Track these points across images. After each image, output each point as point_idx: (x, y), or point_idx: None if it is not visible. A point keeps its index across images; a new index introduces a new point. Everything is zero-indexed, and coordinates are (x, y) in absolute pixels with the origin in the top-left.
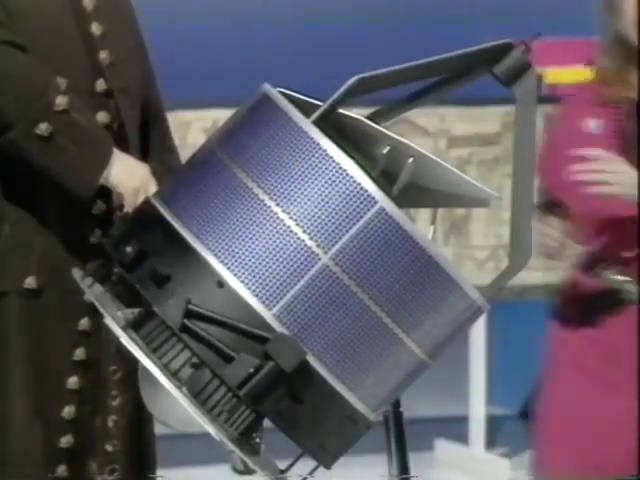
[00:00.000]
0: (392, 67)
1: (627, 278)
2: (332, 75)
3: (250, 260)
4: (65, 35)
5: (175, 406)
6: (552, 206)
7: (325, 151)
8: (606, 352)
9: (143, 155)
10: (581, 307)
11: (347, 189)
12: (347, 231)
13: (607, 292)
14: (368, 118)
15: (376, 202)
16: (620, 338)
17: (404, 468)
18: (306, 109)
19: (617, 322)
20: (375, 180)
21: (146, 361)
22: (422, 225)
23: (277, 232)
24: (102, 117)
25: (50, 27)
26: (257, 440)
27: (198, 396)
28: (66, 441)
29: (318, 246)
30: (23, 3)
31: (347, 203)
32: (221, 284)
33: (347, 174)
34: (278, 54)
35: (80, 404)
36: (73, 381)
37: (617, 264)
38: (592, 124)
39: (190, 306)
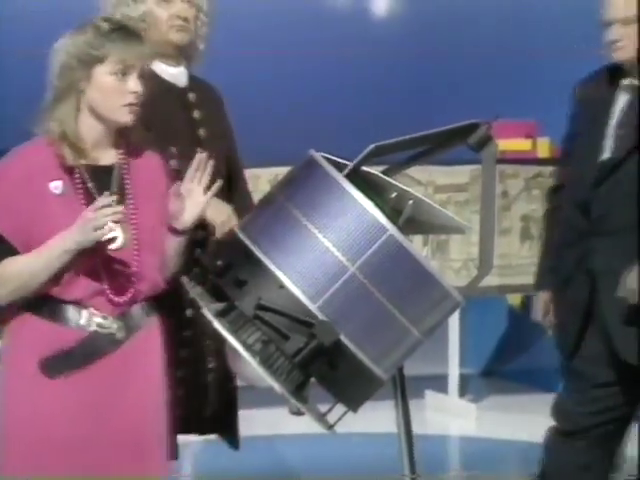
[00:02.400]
0: (398, 138)
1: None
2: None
3: (301, 270)
4: (176, 119)
5: (250, 369)
6: None
7: (352, 196)
8: None
9: (228, 199)
10: None
11: (367, 221)
12: (368, 250)
13: None
14: (382, 173)
15: (387, 230)
16: None
17: (406, 410)
18: (340, 167)
19: None
20: (387, 215)
21: (231, 339)
22: (417, 245)
23: (319, 251)
24: None
25: (166, 113)
26: (306, 393)
27: (266, 362)
28: (179, 392)
29: (348, 260)
30: (148, 99)
31: (367, 231)
32: (282, 286)
33: (367, 211)
34: (323, 123)
35: (187, 367)
36: (183, 352)
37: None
38: (55, 185)
39: (260, 301)
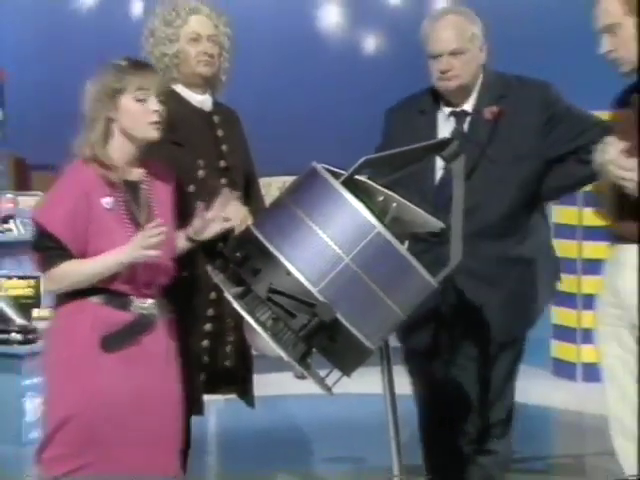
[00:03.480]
0: (385, 152)
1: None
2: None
3: (305, 260)
4: (203, 137)
5: (263, 341)
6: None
7: (347, 199)
8: None
9: (245, 202)
10: None
11: (359, 221)
12: (359, 244)
13: None
14: (371, 181)
15: (375, 228)
16: None
17: (390, 375)
18: (336, 175)
19: None
20: (376, 215)
21: (247, 316)
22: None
23: (320, 244)
24: (223, 181)
25: (195, 133)
26: (309, 360)
27: (276, 335)
28: (205, 359)
29: (343, 253)
30: (181, 121)
31: (359, 228)
32: (289, 274)
33: (359, 212)
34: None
35: (212, 339)
36: (208, 326)
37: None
38: (106, 201)
39: (271, 286)
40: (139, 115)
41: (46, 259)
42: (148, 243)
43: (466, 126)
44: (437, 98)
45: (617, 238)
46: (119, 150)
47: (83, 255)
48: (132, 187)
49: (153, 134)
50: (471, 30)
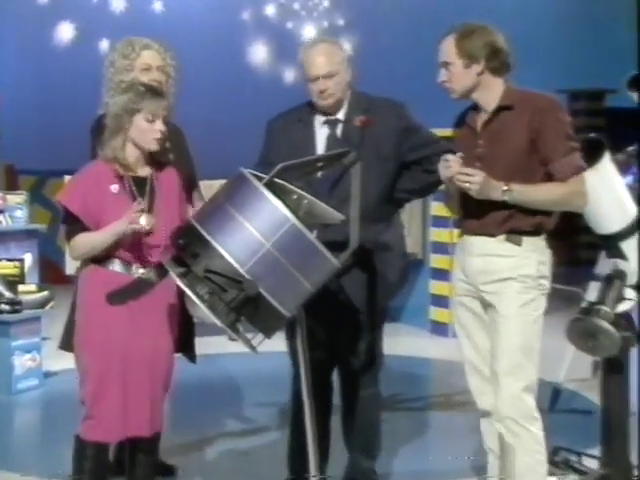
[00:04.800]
0: (298, 160)
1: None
2: None
3: (234, 246)
4: None
5: (201, 311)
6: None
7: (268, 198)
8: None
9: (189, 201)
10: None
11: (277, 215)
12: (278, 233)
13: None
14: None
15: (290, 220)
16: None
17: (302, 336)
18: (260, 179)
19: None
20: (291, 210)
21: (188, 291)
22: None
23: (246, 234)
24: None
25: None
26: (238, 326)
27: (211, 306)
28: None
29: (265, 240)
30: None
31: (277, 221)
32: (222, 257)
33: (277, 208)
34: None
35: None
36: None
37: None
38: (114, 187)
39: (207, 267)
40: (146, 132)
41: (68, 232)
42: (131, 219)
43: (339, 132)
44: (313, 109)
45: (464, 230)
46: (131, 153)
47: (97, 229)
48: (140, 180)
49: (154, 147)
50: (339, 55)
